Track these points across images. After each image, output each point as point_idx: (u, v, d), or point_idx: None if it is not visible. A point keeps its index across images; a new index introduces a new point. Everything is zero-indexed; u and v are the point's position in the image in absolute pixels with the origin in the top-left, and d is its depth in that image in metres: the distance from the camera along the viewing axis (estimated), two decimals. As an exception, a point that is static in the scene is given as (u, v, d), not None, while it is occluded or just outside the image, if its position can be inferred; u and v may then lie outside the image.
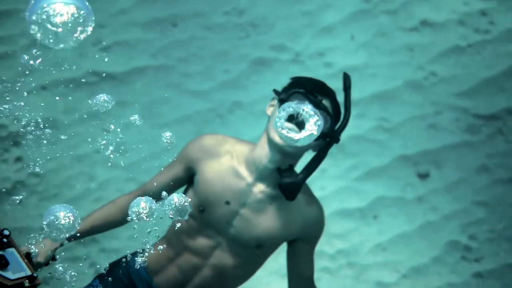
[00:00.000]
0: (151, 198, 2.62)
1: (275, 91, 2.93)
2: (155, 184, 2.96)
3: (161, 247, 2.97)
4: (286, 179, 2.77)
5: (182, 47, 5.08)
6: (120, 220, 2.95)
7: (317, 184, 4.72)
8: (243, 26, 5.19)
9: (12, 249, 2.32)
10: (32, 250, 2.72)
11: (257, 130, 4.82)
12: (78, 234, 2.77)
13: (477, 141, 4.92)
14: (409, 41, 5.12)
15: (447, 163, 4.92)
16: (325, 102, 2.80)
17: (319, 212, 2.97)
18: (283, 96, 2.83)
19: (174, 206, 2.60)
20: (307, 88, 2.79)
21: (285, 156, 2.79)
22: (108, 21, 5.01)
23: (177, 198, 2.65)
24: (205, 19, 5.16)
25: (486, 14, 5.16)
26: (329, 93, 2.85)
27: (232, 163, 2.89)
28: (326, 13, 5.20)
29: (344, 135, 4.39)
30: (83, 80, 4.71)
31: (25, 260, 2.31)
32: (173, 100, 4.90)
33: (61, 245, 2.80)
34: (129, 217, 2.58)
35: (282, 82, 5.03)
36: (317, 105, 2.74)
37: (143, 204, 2.54)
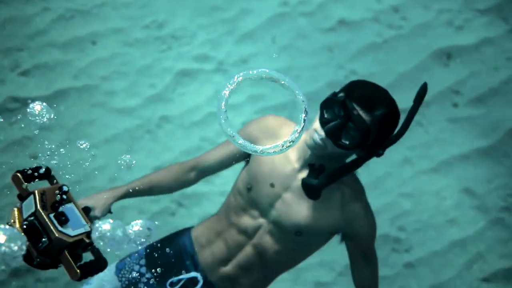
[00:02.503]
0: (120, 223, 2.11)
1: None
2: (210, 157, 2.70)
3: (210, 222, 2.76)
4: (306, 179, 2.45)
5: (104, 65, 4.54)
6: (172, 187, 2.71)
7: None
8: (164, 39, 4.69)
9: (71, 205, 2.08)
10: (90, 205, 2.49)
11: (187, 142, 4.32)
12: (132, 191, 2.60)
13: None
14: (328, 41, 4.71)
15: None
16: (363, 115, 2.36)
17: (362, 210, 2.61)
18: (328, 96, 2.43)
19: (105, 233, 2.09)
20: (348, 96, 2.37)
21: (315, 154, 2.48)
22: (25, 44, 4.42)
23: (109, 225, 2.09)
24: (125, 35, 4.66)
25: (398, 10, 4.80)
26: (372, 108, 2.37)
27: None
28: (246, 19, 4.75)
29: None
30: (3, 107, 3.99)
31: (84, 216, 2.10)
32: (99, 120, 4.36)
33: (118, 199, 2.59)
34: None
35: (207, 92, 4.52)
36: (348, 116, 2.35)
37: (106, 226, 2.07)
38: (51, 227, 2.02)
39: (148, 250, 2.75)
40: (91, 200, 2.53)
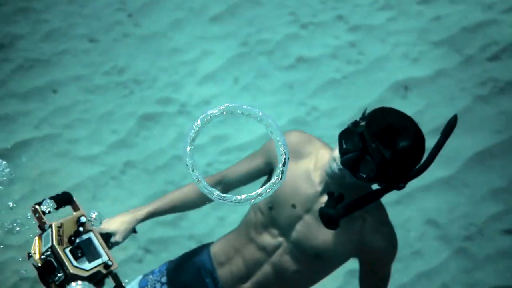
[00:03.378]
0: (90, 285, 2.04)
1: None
2: (235, 171, 2.56)
3: (229, 238, 2.62)
4: (324, 208, 2.27)
5: (66, 113, 4.35)
6: (197, 203, 2.59)
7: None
8: (125, 84, 4.51)
9: (90, 234, 2.06)
10: (111, 231, 2.40)
11: (153, 187, 4.13)
12: (155, 212, 2.51)
13: None
14: (288, 79, 4.58)
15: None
16: (382, 149, 2.18)
17: (384, 242, 2.43)
18: (349, 125, 2.26)
19: None
20: (367, 127, 2.19)
21: (335, 183, 2.32)
22: (-16, 96, 4.13)
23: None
24: (86, 82, 4.48)
25: (355, 45, 4.70)
26: (391, 142, 2.18)
27: (309, 166, 2.42)
28: (206, 60, 4.60)
29: None
30: (-37, 161, 3.75)
31: (103, 245, 2.06)
32: (62, 169, 4.16)
33: (140, 221, 2.51)
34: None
35: (171, 135, 4.33)
36: (366, 149, 2.19)
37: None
38: (66, 263, 1.99)
39: (169, 267, 2.66)
40: (113, 225, 2.44)
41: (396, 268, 4.17)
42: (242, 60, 4.60)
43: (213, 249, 2.64)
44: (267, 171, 2.53)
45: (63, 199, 2.12)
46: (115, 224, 2.45)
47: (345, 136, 2.22)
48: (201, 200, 2.55)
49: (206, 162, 4.16)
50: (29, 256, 2.01)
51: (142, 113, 4.40)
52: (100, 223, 2.26)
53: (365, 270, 2.49)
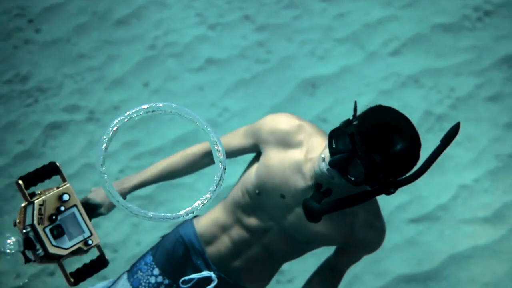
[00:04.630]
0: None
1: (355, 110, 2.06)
2: (225, 144, 2.31)
3: (215, 215, 2.41)
4: (308, 201, 2.04)
5: None
6: (188, 172, 2.39)
7: (133, 239, 3.68)
8: (29, 92, 4.18)
9: (74, 209, 2.00)
10: (97, 202, 2.31)
11: None
12: (143, 183, 2.34)
13: None
14: (198, 80, 4.37)
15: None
16: (373, 153, 1.94)
17: (373, 237, 2.27)
18: (340, 125, 2.02)
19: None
20: (358, 128, 1.95)
21: (325, 180, 2.10)
22: None
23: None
24: None
25: (263, 45, 4.52)
26: (383, 146, 1.95)
27: (299, 157, 2.19)
28: (114, 65, 4.31)
29: (154, 184, 3.60)
30: None
31: (86, 220, 2.00)
32: None
33: (129, 193, 2.34)
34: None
35: (81, 143, 4.02)
36: (355, 151, 1.95)
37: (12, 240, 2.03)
38: (46, 243, 1.98)
39: (155, 257, 2.46)
40: (98, 197, 2.31)
41: (308, 262, 4.07)
42: (150, 63, 4.37)
43: (199, 227, 2.43)
44: (255, 151, 2.32)
45: (49, 170, 2.07)
46: (101, 196, 2.32)
47: (335, 135, 1.99)
48: (194, 170, 2.37)
49: (118, 169, 3.93)
50: (15, 224, 2.00)
51: (49, 122, 4.10)
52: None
53: (342, 252, 2.33)
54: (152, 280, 2.44)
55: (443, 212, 4.01)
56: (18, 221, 2.01)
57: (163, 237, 2.53)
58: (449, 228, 3.99)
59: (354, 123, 1.96)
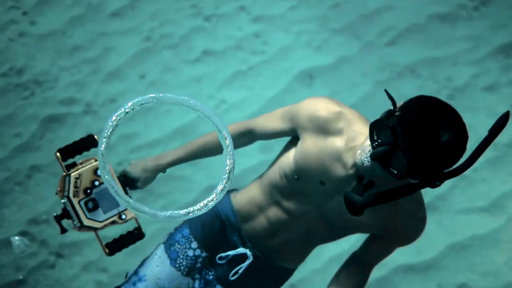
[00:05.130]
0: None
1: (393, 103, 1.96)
2: (261, 127, 2.30)
3: (251, 193, 2.37)
4: (350, 194, 1.95)
5: None
6: (219, 150, 2.17)
7: None
8: (25, 85, 4.15)
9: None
10: (133, 177, 2.35)
11: None
12: (179, 159, 2.37)
13: (272, 159, 4.03)
14: (195, 72, 4.34)
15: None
16: (416, 146, 1.86)
17: (414, 228, 2.20)
18: (382, 116, 1.93)
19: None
20: (400, 120, 1.87)
21: (367, 171, 2.01)
22: None
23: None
24: None
25: (259, 36, 4.50)
26: (426, 139, 1.85)
27: (339, 146, 2.11)
28: (110, 57, 4.29)
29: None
30: None
31: (122, 193, 1.94)
32: None
33: (164, 169, 2.38)
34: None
35: (78, 136, 3.98)
36: (397, 144, 1.87)
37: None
38: (81, 215, 2.04)
39: (192, 230, 2.44)
40: (135, 171, 2.36)
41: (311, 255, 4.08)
42: (146, 55, 4.34)
43: (236, 203, 2.41)
44: (293, 135, 2.25)
45: (87, 143, 2.14)
46: (138, 170, 2.36)
47: (376, 127, 1.90)
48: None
49: (116, 161, 3.90)
50: (56, 193, 2.08)
51: (46, 115, 4.08)
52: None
53: (376, 243, 2.25)
54: (190, 253, 2.43)
55: (441, 202, 4.01)
56: (59, 189, 2.08)
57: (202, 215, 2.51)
58: (447, 218, 4.00)
59: (396, 113, 1.89)
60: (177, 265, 2.43)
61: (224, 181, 1.74)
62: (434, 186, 1.91)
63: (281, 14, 4.59)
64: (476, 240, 3.96)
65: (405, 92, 4.37)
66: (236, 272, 2.41)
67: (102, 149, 1.76)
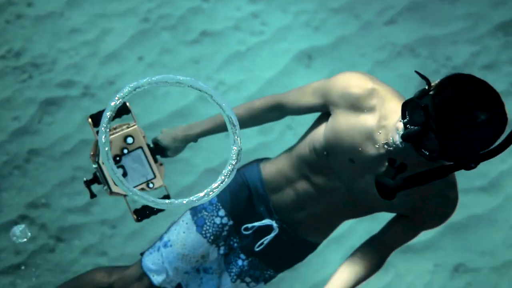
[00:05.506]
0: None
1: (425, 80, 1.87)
2: (292, 102, 2.26)
3: (280, 165, 2.34)
4: (381, 177, 1.89)
5: None
6: (253, 125, 2.37)
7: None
8: (23, 68, 4.10)
9: (139, 150, 2.07)
10: (163, 145, 2.36)
11: (60, 174, 3.81)
12: (209, 130, 2.38)
13: (271, 141, 4.17)
14: (193, 54, 4.29)
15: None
16: (448, 127, 1.79)
17: (445, 210, 2.13)
18: (415, 95, 1.87)
19: None
20: (433, 100, 1.80)
21: (399, 152, 1.95)
22: None
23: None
24: None
25: (257, 16, 4.44)
26: (459, 120, 1.78)
27: (371, 124, 2.06)
28: (108, 39, 4.24)
29: None
30: None
31: (151, 162, 2.08)
32: None
33: (194, 139, 2.39)
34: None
35: (76, 119, 4.00)
36: (429, 125, 1.80)
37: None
38: (109, 182, 2.05)
39: (220, 197, 2.42)
40: (166, 140, 2.37)
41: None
42: (144, 37, 4.29)
43: (265, 174, 2.39)
44: (324, 111, 2.21)
45: (119, 109, 2.12)
46: (168, 139, 2.38)
47: (409, 106, 1.85)
48: (258, 122, 2.34)
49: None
50: (90, 157, 2.10)
51: (44, 98, 4.04)
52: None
53: (402, 224, 2.18)
54: (217, 221, 2.42)
55: (439, 183, 4.02)
56: (91, 153, 2.10)
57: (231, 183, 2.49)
58: (445, 198, 4.01)
59: (430, 93, 1.82)
60: (203, 232, 2.41)
61: (232, 162, 1.72)
62: (468, 168, 1.83)
63: (280, -6, 4.57)
64: (473, 220, 3.97)
65: (404, 71, 4.34)
66: (261, 244, 2.41)
67: (103, 140, 1.71)
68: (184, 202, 1.73)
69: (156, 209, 2.15)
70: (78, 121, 3.93)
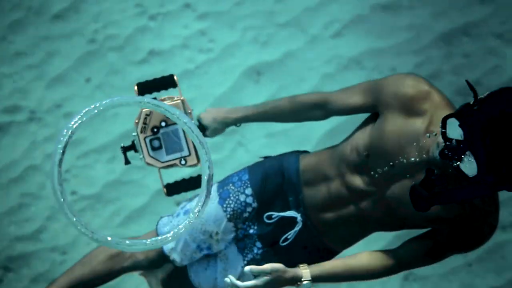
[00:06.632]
0: None
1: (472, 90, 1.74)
2: (339, 101, 2.17)
3: (320, 160, 2.24)
4: (417, 188, 1.80)
5: None
6: (296, 120, 2.30)
7: (83, 240, 3.65)
8: (-34, 94, 4.00)
9: (178, 126, 2.03)
10: (203, 124, 2.30)
11: (8, 201, 3.69)
12: (252, 116, 2.31)
13: (223, 158, 4.12)
14: (142, 73, 4.20)
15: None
16: (490, 146, 1.69)
17: (479, 235, 1.97)
18: (460, 107, 1.76)
19: None
20: (476, 117, 1.69)
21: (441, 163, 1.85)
22: None
23: None
24: None
25: (205, 33, 4.39)
26: (502, 140, 1.67)
27: (419, 128, 1.97)
28: (53, 62, 4.12)
29: (100, 182, 3.53)
30: None
31: (188, 139, 2.05)
32: None
33: (235, 123, 2.32)
34: None
35: (23, 144, 3.87)
36: (469, 144, 1.70)
37: None
38: (144, 152, 2.06)
39: (252, 177, 2.31)
40: (206, 119, 2.31)
41: None
42: (91, 58, 4.18)
43: (302, 165, 2.27)
44: (372, 112, 2.12)
45: (166, 82, 2.21)
46: (208, 119, 2.32)
47: (450, 121, 1.75)
48: (301, 119, 2.27)
49: (64, 169, 3.73)
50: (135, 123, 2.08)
51: (-12, 125, 3.94)
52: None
53: (428, 243, 2.04)
54: (242, 198, 2.30)
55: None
56: (136, 121, 2.10)
57: (265, 158, 2.39)
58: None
59: (475, 108, 1.71)
60: (224, 205, 2.30)
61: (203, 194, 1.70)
62: (510, 189, 1.72)
63: (227, 11, 4.48)
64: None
65: (351, 84, 4.36)
66: (286, 239, 2.27)
67: (57, 160, 1.68)
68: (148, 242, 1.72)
69: (187, 187, 2.16)
70: (25, 147, 3.81)
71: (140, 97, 1.77)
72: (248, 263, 2.31)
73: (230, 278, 2.06)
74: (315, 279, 2.10)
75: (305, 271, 2.09)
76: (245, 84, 4.32)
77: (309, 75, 4.40)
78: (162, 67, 4.26)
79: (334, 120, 4.24)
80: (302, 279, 2.09)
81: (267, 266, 2.05)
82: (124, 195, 3.87)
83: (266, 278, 2.05)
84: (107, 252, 2.40)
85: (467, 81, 1.79)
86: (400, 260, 2.09)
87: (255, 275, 2.05)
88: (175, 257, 2.33)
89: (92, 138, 3.93)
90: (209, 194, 1.75)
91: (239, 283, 2.05)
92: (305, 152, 2.38)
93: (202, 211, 1.72)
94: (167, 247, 2.33)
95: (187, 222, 1.70)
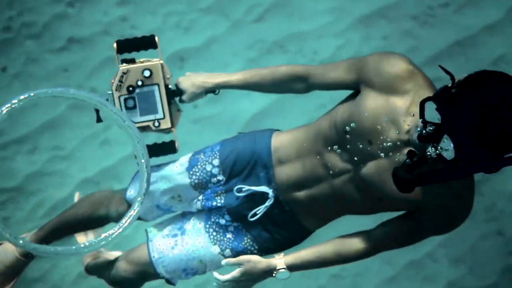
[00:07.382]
0: None
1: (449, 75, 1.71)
2: (321, 75, 2.12)
3: (295, 136, 2.19)
4: (399, 170, 1.78)
5: None
6: (276, 91, 2.25)
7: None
8: None
9: (155, 87, 2.01)
10: (181, 88, 2.21)
11: None
12: (232, 83, 2.24)
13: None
14: (61, 61, 4.09)
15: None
16: (468, 129, 1.67)
17: (458, 214, 1.96)
18: (437, 91, 1.75)
19: None
20: (451, 103, 1.67)
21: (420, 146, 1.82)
22: None
23: None
24: None
25: (126, 20, 4.28)
26: (479, 122, 1.64)
27: (400, 107, 1.93)
28: None
29: (21, 174, 3.42)
30: None
31: (164, 102, 2.01)
32: None
33: (215, 88, 2.23)
34: None
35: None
36: (446, 128, 1.68)
37: None
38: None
39: (222, 149, 2.26)
40: (185, 83, 2.23)
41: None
42: (7, 47, 4.03)
43: (275, 141, 2.22)
44: (353, 89, 2.07)
45: (146, 42, 2.10)
46: (187, 83, 2.24)
47: (429, 104, 1.73)
48: (282, 90, 2.22)
49: None
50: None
51: None
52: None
53: (406, 223, 2.02)
54: (208, 168, 2.25)
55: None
56: (112, 80, 2.07)
57: (240, 133, 2.34)
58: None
59: (453, 90, 1.68)
60: (191, 173, 2.26)
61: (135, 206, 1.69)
62: (489, 171, 1.69)
63: (148, -5, 4.43)
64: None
65: (275, 68, 4.36)
66: (255, 214, 2.21)
67: None
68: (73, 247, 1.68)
69: (159, 151, 2.12)
70: None
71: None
72: (213, 236, 2.29)
73: (214, 274, 2.13)
74: (290, 267, 2.11)
75: (279, 261, 2.11)
76: (169, 70, 4.27)
77: (233, 60, 4.37)
78: (82, 55, 4.14)
79: (260, 104, 4.27)
80: (278, 268, 2.10)
81: (241, 258, 2.13)
82: (48, 186, 3.77)
83: (241, 269, 2.12)
84: (92, 198, 2.41)
85: (440, 65, 1.76)
86: (374, 242, 2.08)
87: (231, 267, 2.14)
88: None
89: (12, 129, 3.80)
90: (147, 194, 1.72)
91: (220, 277, 2.14)
92: (278, 130, 2.33)
93: (132, 222, 1.70)
94: (130, 194, 2.31)
95: (116, 230, 1.68)
